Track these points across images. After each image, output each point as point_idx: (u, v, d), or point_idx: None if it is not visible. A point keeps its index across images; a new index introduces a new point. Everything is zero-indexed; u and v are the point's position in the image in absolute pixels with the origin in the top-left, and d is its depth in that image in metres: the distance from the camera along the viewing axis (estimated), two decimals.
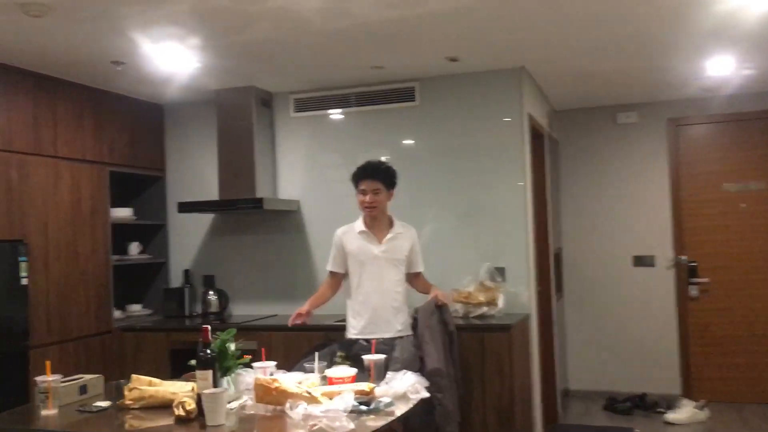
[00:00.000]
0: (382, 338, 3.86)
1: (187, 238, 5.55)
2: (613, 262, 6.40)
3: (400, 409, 2.76)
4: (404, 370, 3.03)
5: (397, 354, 3.86)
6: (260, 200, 4.87)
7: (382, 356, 3.16)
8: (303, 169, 5.32)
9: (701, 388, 6.07)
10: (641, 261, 6.34)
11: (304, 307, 3.92)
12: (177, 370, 3.76)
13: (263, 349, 3.07)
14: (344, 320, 4.08)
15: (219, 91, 5.15)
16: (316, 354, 3.25)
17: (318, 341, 4.19)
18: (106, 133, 4.98)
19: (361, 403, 2.69)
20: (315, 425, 2.52)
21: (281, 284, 5.32)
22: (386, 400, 2.75)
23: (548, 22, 3.90)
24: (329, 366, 3.29)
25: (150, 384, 2.99)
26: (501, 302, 4.57)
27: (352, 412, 2.64)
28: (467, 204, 4.92)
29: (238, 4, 3.41)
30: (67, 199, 4.60)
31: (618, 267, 6.39)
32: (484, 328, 4.33)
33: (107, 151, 4.98)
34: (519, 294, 4.77)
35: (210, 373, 2.74)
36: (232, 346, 2.94)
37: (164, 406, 2.82)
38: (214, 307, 5.31)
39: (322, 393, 2.79)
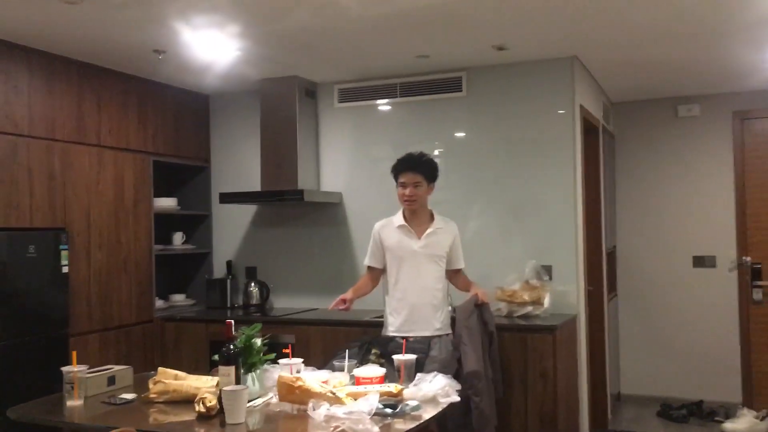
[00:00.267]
0: (421, 336, 3.75)
1: (231, 229, 5.53)
2: (672, 262, 6.10)
3: (428, 413, 2.63)
4: (435, 372, 2.89)
5: (435, 353, 3.74)
6: (301, 192, 4.79)
7: (412, 356, 3.04)
8: (346, 161, 5.22)
9: (763, 396, 5.73)
10: (701, 262, 6.03)
11: (347, 294, 3.80)
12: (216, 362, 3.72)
13: (290, 346, 2.98)
14: (383, 316, 3.97)
15: (263, 80, 5.09)
16: (347, 352, 3.15)
17: (356, 337, 4.09)
18: (150, 122, 4.98)
19: (386, 406, 2.58)
20: (338, 427, 2.42)
21: (323, 278, 5.24)
22: (413, 403, 2.63)
23: (601, 8, 3.67)
24: (364, 364, 3.20)
25: (176, 377, 2.94)
26: (547, 302, 4.39)
27: (376, 414, 2.52)
28: (514, 199, 4.74)
29: None
30: (110, 188, 4.62)
31: (676, 267, 6.09)
32: (527, 328, 4.15)
33: (151, 141, 4.98)
34: (566, 293, 4.57)
35: (233, 369, 2.67)
36: (258, 342, 2.86)
37: (189, 400, 2.76)
38: (255, 299, 5.27)
39: (347, 393, 2.69)
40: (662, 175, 6.15)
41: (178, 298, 5.40)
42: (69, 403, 2.83)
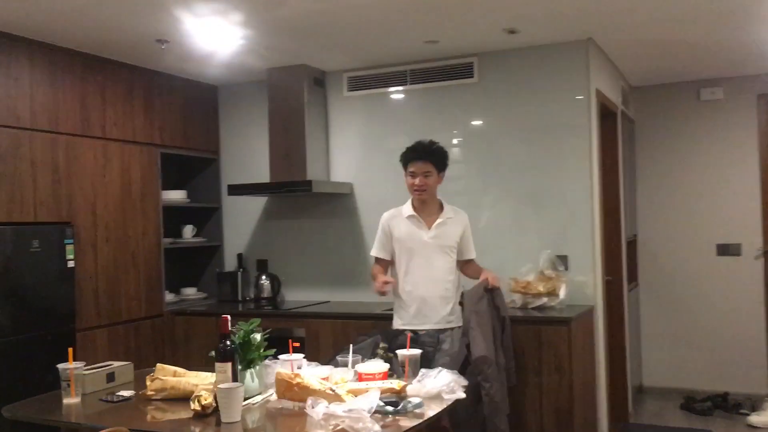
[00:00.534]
0: (432, 330, 3.65)
1: (242, 222, 5.45)
2: (695, 250, 5.93)
3: (432, 410, 2.53)
4: (440, 368, 2.78)
5: (446, 346, 3.64)
6: (309, 183, 4.70)
7: (417, 351, 2.93)
8: (357, 151, 5.11)
9: None
10: (726, 250, 5.84)
11: (386, 277, 3.68)
12: None
13: (290, 341, 2.88)
14: (392, 309, 3.87)
15: (271, 70, 5.00)
16: (350, 346, 3.05)
17: (366, 330, 4.00)
18: (157, 114, 4.91)
19: (388, 403, 2.48)
20: (337, 425, 2.32)
21: (334, 270, 5.16)
22: (416, 400, 2.52)
23: None
24: (372, 358, 3.10)
25: (174, 374, 2.87)
26: (563, 293, 4.26)
27: (377, 412, 2.42)
28: (528, 187, 4.60)
29: None
30: (116, 181, 4.56)
31: (700, 256, 5.91)
32: (541, 320, 4.03)
33: (158, 133, 4.91)
34: (583, 284, 4.43)
35: (229, 365, 2.58)
36: (258, 337, 2.77)
37: (187, 398, 2.68)
38: (266, 292, 5.20)
39: (348, 390, 2.59)
40: (684, 161, 5.97)
41: (190, 292, 5.35)
42: (66, 400, 2.77)
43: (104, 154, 4.48)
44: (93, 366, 3.01)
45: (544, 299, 4.24)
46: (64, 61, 4.26)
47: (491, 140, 4.72)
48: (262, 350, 2.79)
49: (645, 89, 6.07)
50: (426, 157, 3.71)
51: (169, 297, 5.05)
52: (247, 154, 5.40)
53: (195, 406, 2.50)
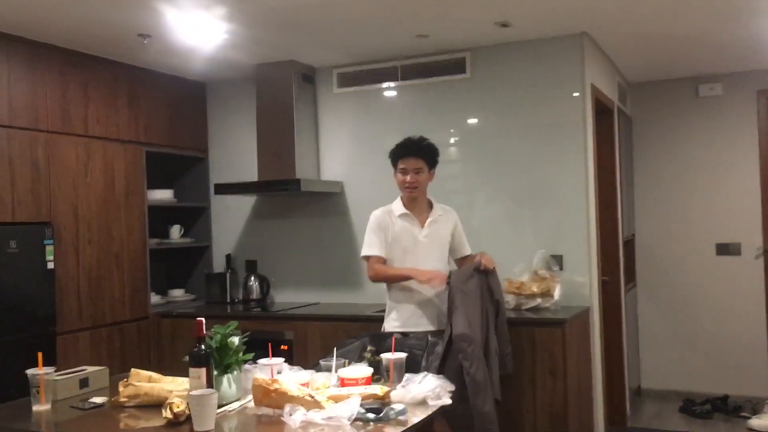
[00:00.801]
0: (426, 331, 3.53)
1: (230, 222, 5.34)
2: (694, 249, 5.81)
3: (416, 417, 2.41)
4: (425, 373, 2.66)
5: (439, 349, 3.51)
6: (298, 181, 4.58)
7: (402, 355, 2.81)
8: (347, 149, 5.00)
9: None
10: (725, 249, 5.73)
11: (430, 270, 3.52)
12: None
13: (269, 345, 2.76)
14: (383, 311, 3.75)
15: (259, 66, 4.89)
16: (335, 350, 2.93)
17: (356, 333, 3.87)
18: (142, 111, 4.79)
19: (369, 410, 2.36)
20: None
21: (325, 270, 5.04)
22: (399, 407, 2.40)
23: None
24: (360, 362, 2.99)
25: (150, 379, 2.75)
26: (557, 294, 4.14)
27: (357, 420, 2.31)
28: (522, 185, 4.49)
29: None
30: (99, 180, 4.44)
31: (699, 255, 5.80)
32: (535, 322, 3.91)
33: (143, 130, 4.79)
34: (579, 284, 4.32)
35: (203, 371, 2.46)
36: (236, 340, 2.66)
37: (161, 404, 2.56)
38: (255, 294, 5.10)
39: (329, 396, 2.48)
40: (683, 159, 5.85)
41: (177, 294, 5.23)
42: (35, 407, 2.65)
43: (86, 152, 4.37)
44: (65, 371, 2.89)
45: (539, 300, 4.12)
46: (43, 57, 4.14)
47: (484, 137, 4.60)
48: (240, 354, 2.67)
49: (642, 85, 5.96)
50: (417, 153, 3.60)
51: (155, 299, 4.94)
52: (237, 153, 5.28)
53: (167, 413, 2.38)
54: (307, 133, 4.93)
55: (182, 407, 2.39)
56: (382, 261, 3.61)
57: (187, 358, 2.50)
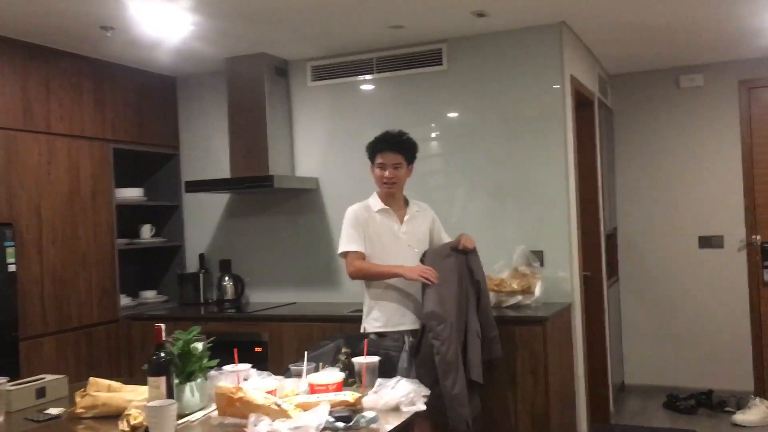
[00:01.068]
0: (407, 330, 3.41)
1: (203, 220, 5.19)
2: (676, 243, 5.73)
3: (389, 424, 2.28)
4: (399, 377, 2.54)
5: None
6: (271, 178, 4.44)
7: (375, 359, 2.69)
8: (323, 144, 4.86)
9: None
10: (708, 242, 5.65)
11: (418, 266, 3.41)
12: None
13: (235, 350, 2.63)
14: (361, 310, 3.61)
15: (230, 59, 4.73)
16: (305, 354, 2.80)
17: (332, 333, 3.74)
18: (109, 107, 4.63)
19: (338, 419, 2.23)
20: None
21: (300, 269, 4.91)
22: (370, 414, 2.27)
23: None
24: (335, 365, 2.86)
25: (109, 388, 2.60)
26: (538, 290, 4.03)
27: (326, 429, 2.18)
28: (500, 179, 4.38)
29: None
30: (63, 178, 4.28)
31: (681, 249, 5.72)
32: (515, 320, 3.80)
33: (110, 127, 4.63)
34: (560, 280, 4.22)
35: (163, 380, 2.32)
36: (199, 347, 2.52)
37: (120, 415, 2.42)
38: (229, 294, 4.95)
39: (296, 404, 2.35)
40: (665, 151, 5.77)
41: (149, 295, 5.08)
42: None
43: (49, 149, 4.20)
44: (21, 381, 2.74)
45: (519, 297, 4.01)
46: (2, 51, 3.97)
47: (461, 130, 4.49)
48: (204, 361, 2.53)
49: (623, 77, 5.87)
50: (396, 147, 3.49)
51: (126, 301, 4.78)
52: (209, 149, 5.13)
53: (123, 426, 2.24)
54: (281, 127, 4.79)
55: (140, 419, 2.25)
56: (362, 257, 3.48)
57: (145, 366, 2.36)
